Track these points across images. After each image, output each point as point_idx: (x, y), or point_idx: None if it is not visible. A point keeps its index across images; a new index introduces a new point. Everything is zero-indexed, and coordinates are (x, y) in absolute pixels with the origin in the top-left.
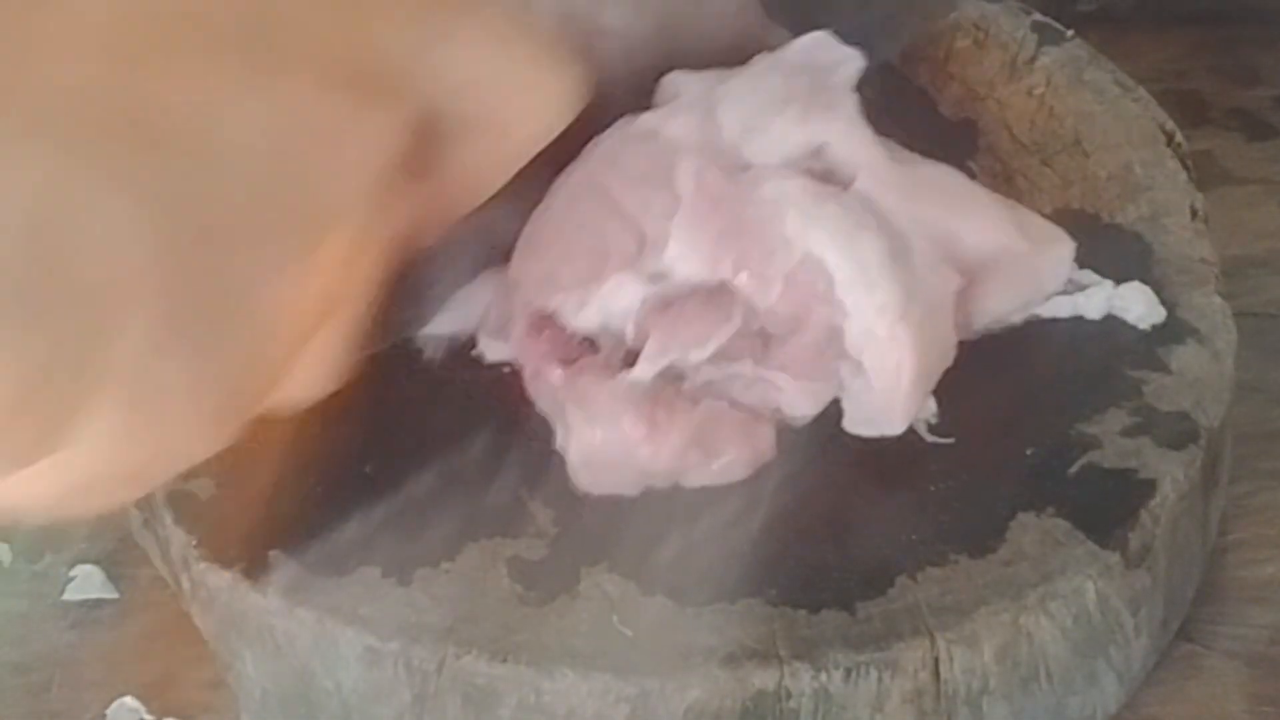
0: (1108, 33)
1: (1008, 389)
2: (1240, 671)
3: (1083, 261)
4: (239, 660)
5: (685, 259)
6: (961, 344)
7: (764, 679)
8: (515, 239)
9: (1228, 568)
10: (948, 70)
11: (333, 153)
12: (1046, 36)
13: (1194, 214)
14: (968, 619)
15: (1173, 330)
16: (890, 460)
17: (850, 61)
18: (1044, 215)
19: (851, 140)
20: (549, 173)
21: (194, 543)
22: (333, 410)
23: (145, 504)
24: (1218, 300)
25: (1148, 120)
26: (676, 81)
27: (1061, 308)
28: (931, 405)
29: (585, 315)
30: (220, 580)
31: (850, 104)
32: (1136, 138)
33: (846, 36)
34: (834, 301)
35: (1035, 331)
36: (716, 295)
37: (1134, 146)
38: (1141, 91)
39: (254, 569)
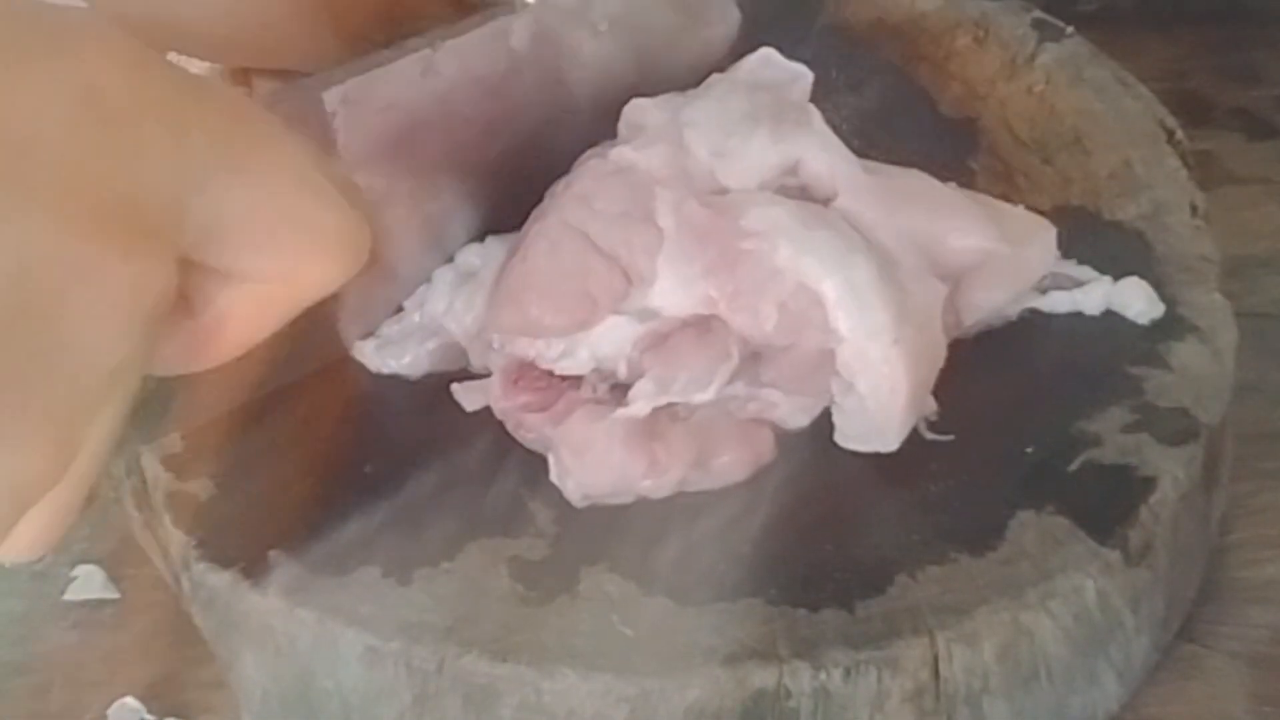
0: (1109, 32)
1: (1007, 387)
2: (1241, 672)
3: (1083, 258)
4: (239, 660)
5: (675, 294)
6: (961, 342)
7: (764, 678)
8: (460, 244)
9: (1229, 568)
10: (948, 69)
11: (89, 303)
12: (1046, 34)
13: (1194, 211)
14: (968, 618)
15: (1173, 327)
16: (890, 459)
17: (802, 77)
18: (1044, 213)
19: (827, 156)
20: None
21: (194, 543)
22: (333, 411)
23: (145, 505)
24: (1218, 297)
25: (1148, 117)
26: (638, 110)
27: (1060, 303)
28: (931, 403)
29: (576, 360)
30: (220, 580)
31: (817, 119)
32: (1137, 135)
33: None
34: (827, 327)
35: (1035, 329)
36: (710, 329)
37: (1134, 144)
38: (1142, 89)
39: (254, 569)
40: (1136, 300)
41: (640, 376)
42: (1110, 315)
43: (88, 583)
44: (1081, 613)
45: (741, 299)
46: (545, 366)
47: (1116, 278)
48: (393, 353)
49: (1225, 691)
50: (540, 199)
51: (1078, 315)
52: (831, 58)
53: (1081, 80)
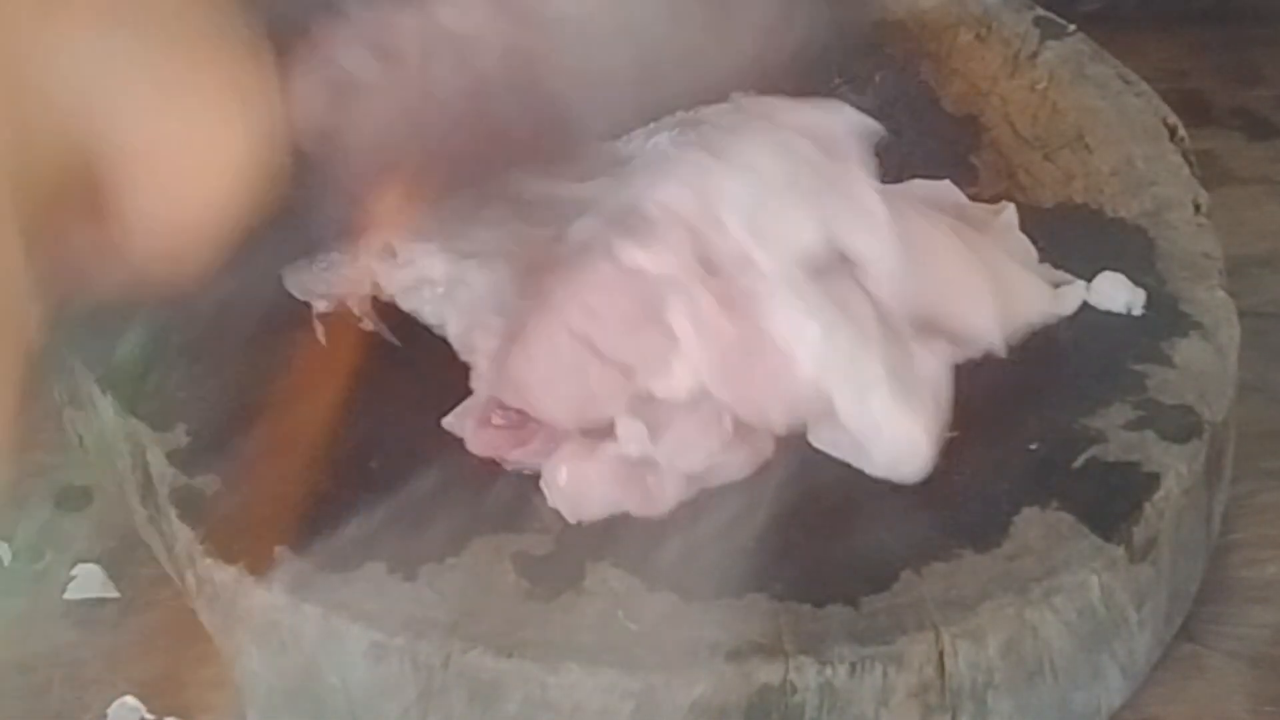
0: (1110, 32)
1: (1012, 383)
2: (1242, 672)
3: (1086, 256)
4: (245, 656)
5: (687, 393)
6: None
7: (769, 673)
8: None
9: (1230, 568)
10: (950, 66)
11: None
12: (1048, 31)
13: (1197, 208)
14: (972, 613)
15: (1176, 324)
16: None
17: (869, 133)
18: (1045, 210)
19: (860, 234)
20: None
21: (199, 539)
22: (338, 407)
23: (150, 500)
24: (1221, 294)
25: (1150, 115)
26: (658, 201)
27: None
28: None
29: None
30: (225, 576)
31: (863, 186)
32: (1139, 132)
33: None
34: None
35: (1038, 325)
36: (708, 405)
37: (1136, 141)
38: (1144, 86)
39: (259, 565)
40: (1118, 294)
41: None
42: (1115, 313)
43: (87, 582)
44: (1086, 608)
45: (753, 405)
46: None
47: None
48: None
49: (1225, 691)
50: (509, 156)
51: (1081, 312)
52: (833, 54)
53: (1083, 77)
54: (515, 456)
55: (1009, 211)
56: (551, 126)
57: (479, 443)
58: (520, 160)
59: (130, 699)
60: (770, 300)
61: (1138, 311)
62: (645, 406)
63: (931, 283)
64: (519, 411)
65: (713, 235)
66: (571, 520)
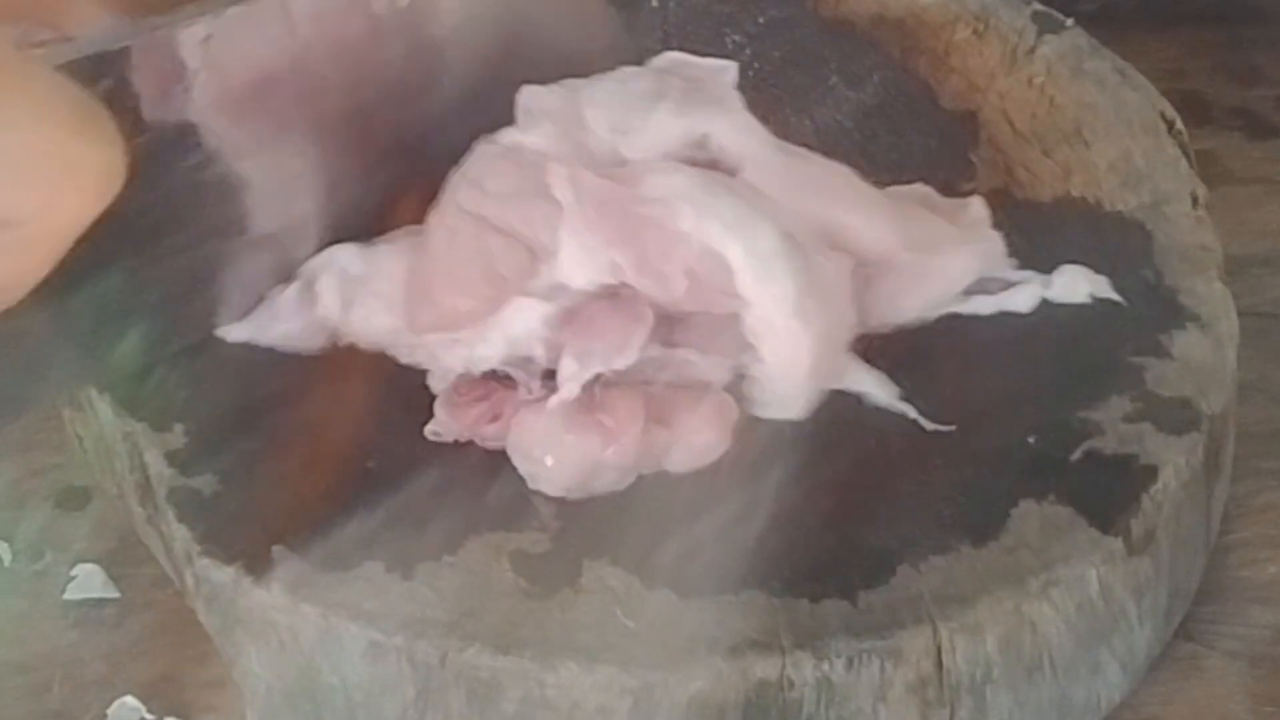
0: (1109, 32)
1: (1009, 376)
2: (1242, 672)
3: (1085, 249)
4: (243, 656)
5: (580, 267)
6: (960, 332)
7: (766, 669)
8: (318, 236)
9: (1230, 567)
10: (948, 63)
11: None
12: (1046, 26)
13: (1195, 201)
14: (970, 608)
15: (1174, 317)
16: (891, 449)
17: (727, 68)
18: (1043, 204)
19: (736, 130)
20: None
21: (197, 539)
22: (336, 407)
23: (148, 500)
24: (1219, 287)
25: (1148, 108)
26: (532, 95)
27: (984, 305)
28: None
29: (490, 346)
30: (223, 576)
31: (734, 98)
32: (1137, 126)
33: None
34: (734, 292)
35: (1036, 318)
36: (620, 297)
37: (1134, 135)
38: (1141, 80)
39: (257, 565)
40: (1080, 285)
41: (558, 357)
42: (1110, 304)
43: (87, 582)
44: (1084, 602)
45: (648, 265)
46: (471, 370)
47: (1112, 269)
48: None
49: (1225, 691)
50: (411, 165)
51: (1079, 303)
52: (831, 52)
53: (1081, 72)
54: (494, 433)
55: (976, 204)
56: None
57: (455, 423)
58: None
59: (130, 699)
60: (647, 175)
61: (1104, 296)
62: (559, 294)
63: (825, 195)
64: (484, 382)
65: (580, 132)
66: (564, 495)
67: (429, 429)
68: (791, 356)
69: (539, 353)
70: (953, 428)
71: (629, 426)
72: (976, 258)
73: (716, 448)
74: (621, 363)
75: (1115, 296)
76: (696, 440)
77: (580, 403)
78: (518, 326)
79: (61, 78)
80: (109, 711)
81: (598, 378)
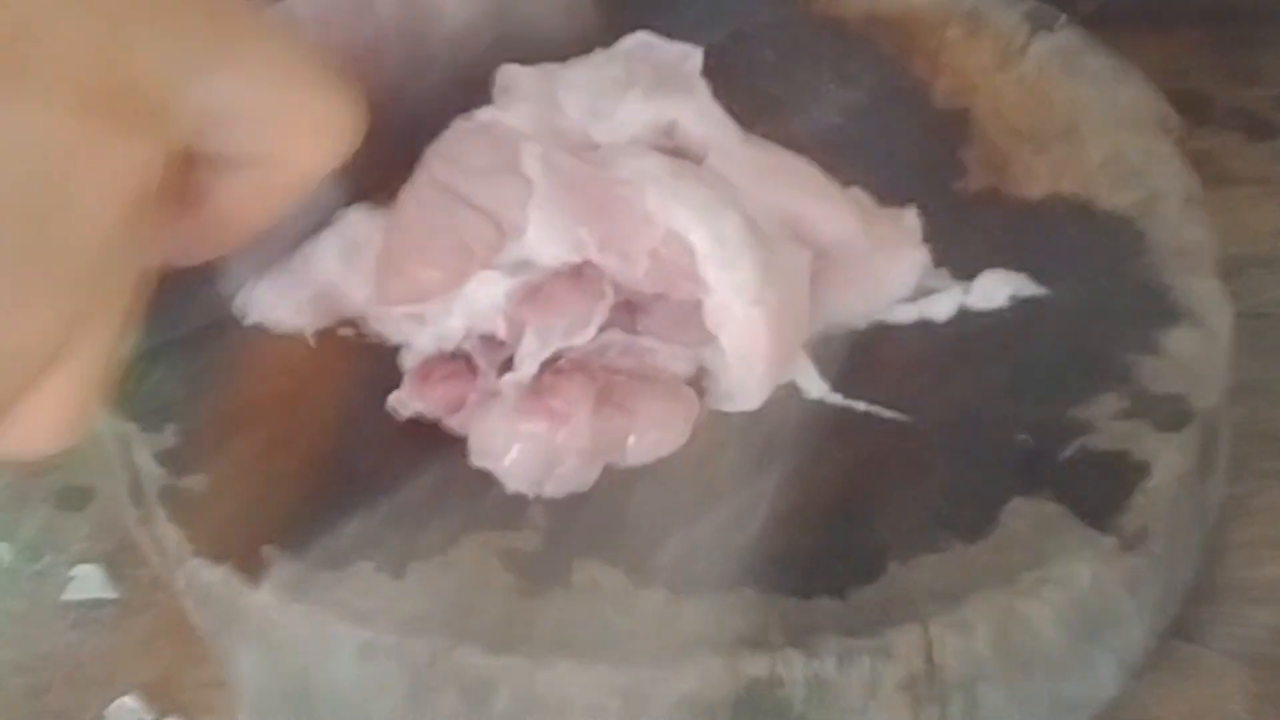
0: (1109, 32)
1: (1000, 373)
2: (1242, 672)
3: (1078, 247)
4: (235, 656)
5: (547, 243)
6: (952, 329)
7: (756, 667)
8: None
9: (1229, 568)
10: (941, 60)
11: (84, 179)
12: (1039, 24)
13: (1188, 198)
14: (961, 605)
15: (1167, 313)
16: (883, 446)
17: (691, 55)
18: (1036, 202)
19: (703, 118)
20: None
21: (187, 538)
22: (328, 407)
23: (140, 501)
24: (1212, 283)
25: (1141, 106)
26: (510, 75)
27: (907, 314)
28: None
29: (453, 319)
30: (214, 576)
31: (701, 86)
32: (1130, 123)
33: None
34: (697, 277)
35: (1026, 315)
36: (582, 275)
37: (1127, 132)
38: (1135, 77)
39: (248, 564)
40: (999, 289)
41: (520, 335)
42: (1106, 302)
43: (87, 582)
44: (1077, 599)
45: (613, 244)
46: (440, 347)
47: (1104, 267)
48: (271, 305)
49: (1225, 691)
50: (407, 160)
51: (1072, 301)
52: (824, 50)
53: (1074, 70)
54: (457, 423)
55: (910, 215)
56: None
57: (420, 401)
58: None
59: (130, 699)
60: (617, 157)
61: (1027, 294)
62: (524, 269)
63: (788, 186)
64: (450, 362)
65: (554, 114)
66: (531, 491)
67: (390, 399)
68: (750, 345)
69: (501, 328)
70: (907, 418)
71: (578, 407)
72: (920, 263)
73: (676, 439)
74: (581, 339)
75: (1039, 291)
76: (656, 431)
77: (533, 390)
78: (482, 300)
79: (299, 36)
80: (108, 712)
81: (556, 358)
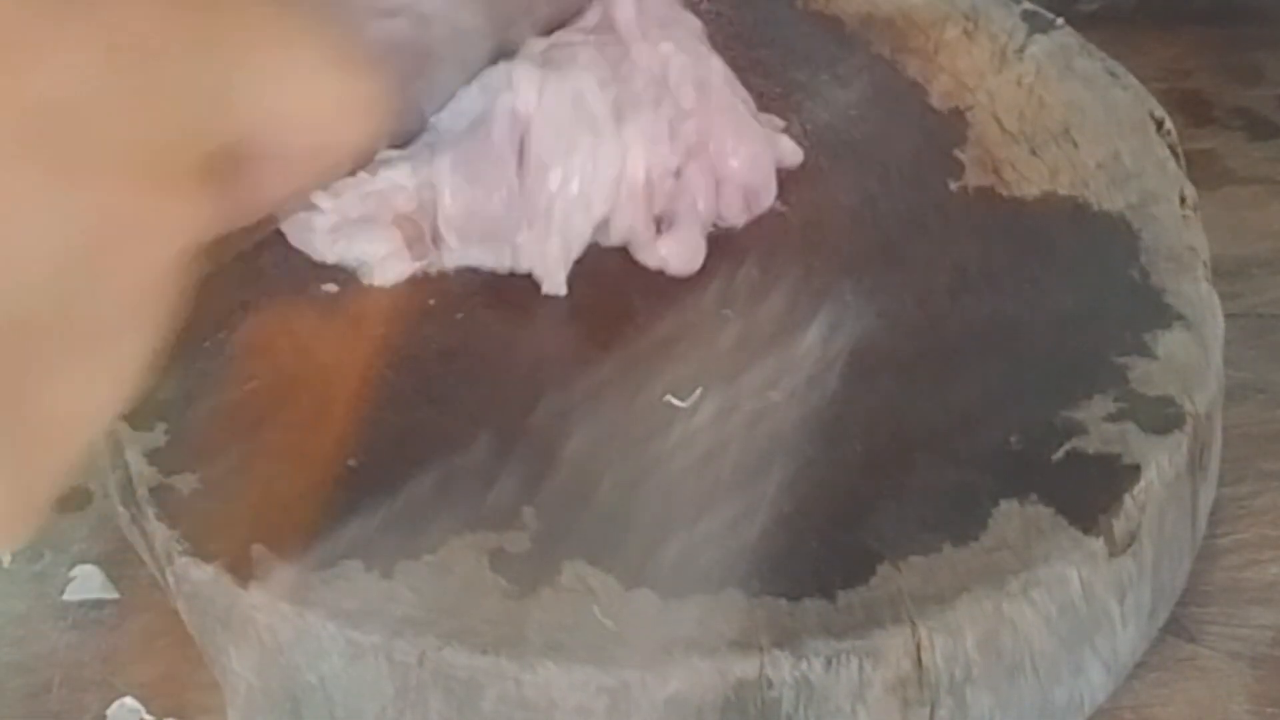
0: (1110, 32)
1: (991, 375)
2: (1244, 673)
3: (1072, 249)
4: (223, 655)
5: None
6: (945, 328)
7: (745, 669)
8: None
9: (1230, 568)
10: (937, 61)
11: (129, 249)
12: (1036, 26)
13: (1183, 201)
14: (950, 607)
15: (1159, 316)
16: (873, 448)
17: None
18: (1030, 202)
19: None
20: None
21: (176, 538)
22: (318, 403)
23: (130, 500)
24: (1205, 287)
25: (1137, 108)
26: None
27: None
28: None
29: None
30: (203, 575)
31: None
32: (1125, 126)
33: None
34: None
35: (1019, 316)
36: None
37: (1123, 135)
38: (1131, 79)
39: (237, 564)
40: None
41: None
42: (1099, 304)
43: (86, 583)
44: (1065, 603)
45: None
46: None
47: (1098, 269)
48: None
49: (1227, 692)
50: None
51: (1065, 303)
52: (820, 50)
53: (1070, 72)
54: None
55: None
56: None
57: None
58: None
59: (129, 700)
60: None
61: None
62: None
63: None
64: None
65: None
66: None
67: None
68: None
69: None
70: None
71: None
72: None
73: None
74: None
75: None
76: None
77: None
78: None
79: (327, 22)
80: (108, 712)
81: None
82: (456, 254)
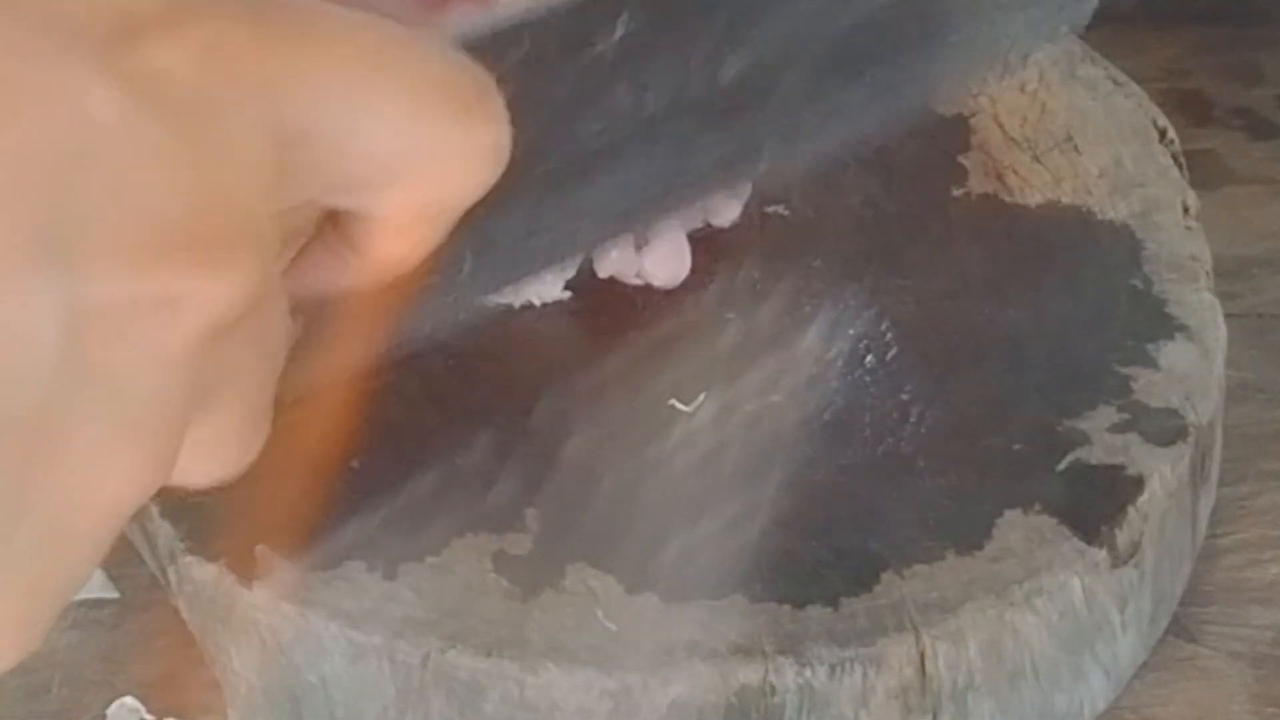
0: (1111, 32)
1: (996, 385)
2: (1244, 673)
3: (1074, 257)
4: (225, 654)
5: None
6: (949, 337)
7: (749, 674)
8: None
9: (1231, 568)
10: None
11: (150, 332)
12: None
13: (1185, 210)
14: (953, 615)
15: (1162, 327)
16: (878, 456)
17: None
18: (1032, 211)
19: None
20: None
21: (180, 537)
22: (321, 406)
23: None
24: (1208, 297)
25: (1140, 116)
26: None
27: None
28: None
29: None
30: (206, 574)
31: None
32: (1128, 133)
33: None
34: None
35: (1021, 323)
36: None
37: (1125, 142)
38: (1134, 87)
39: (240, 564)
40: None
41: None
42: (1102, 314)
43: (87, 582)
44: (1067, 611)
45: None
46: None
47: (1100, 277)
48: None
49: (1227, 692)
50: None
51: (1068, 315)
52: None
53: (1073, 78)
54: None
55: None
56: None
57: None
58: None
59: (130, 699)
60: None
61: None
62: None
63: None
64: None
65: None
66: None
67: None
68: None
69: None
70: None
71: None
72: None
73: None
74: None
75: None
76: None
77: None
78: None
79: (446, 53)
80: (108, 712)
81: None
82: None
